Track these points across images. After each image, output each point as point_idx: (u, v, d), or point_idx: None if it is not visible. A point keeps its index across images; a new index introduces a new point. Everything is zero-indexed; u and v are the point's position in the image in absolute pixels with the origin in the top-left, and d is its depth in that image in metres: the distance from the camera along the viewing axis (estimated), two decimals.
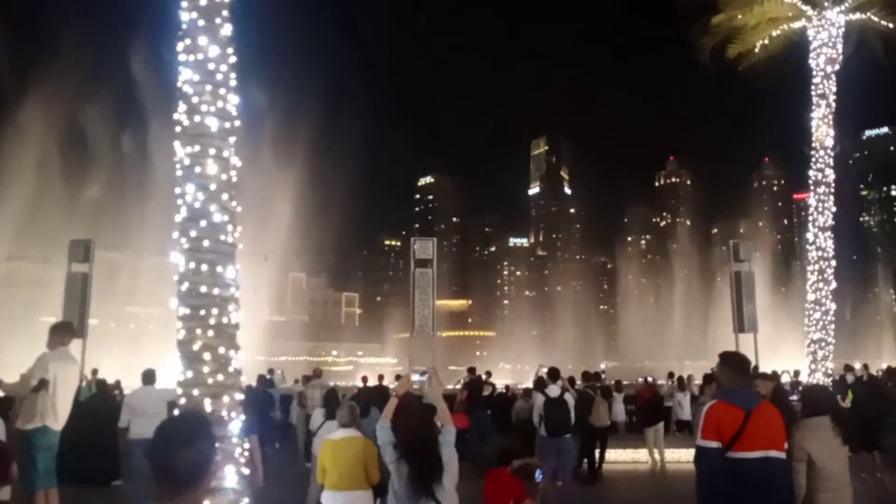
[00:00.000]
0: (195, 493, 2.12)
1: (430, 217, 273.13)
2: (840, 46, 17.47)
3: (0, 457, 6.15)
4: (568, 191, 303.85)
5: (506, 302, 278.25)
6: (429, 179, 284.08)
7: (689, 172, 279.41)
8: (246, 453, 5.91)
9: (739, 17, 17.72)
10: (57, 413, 7.10)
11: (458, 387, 17.37)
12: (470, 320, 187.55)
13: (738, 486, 4.51)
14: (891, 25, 17.43)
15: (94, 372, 16.05)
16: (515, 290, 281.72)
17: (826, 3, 17.21)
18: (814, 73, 17.56)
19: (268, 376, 18.80)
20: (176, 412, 5.69)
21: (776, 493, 4.61)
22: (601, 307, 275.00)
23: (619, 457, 14.54)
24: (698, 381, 21.89)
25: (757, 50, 18.51)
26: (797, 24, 18.07)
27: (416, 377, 5.64)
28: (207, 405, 5.61)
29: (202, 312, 5.74)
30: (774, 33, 18.27)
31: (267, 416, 12.10)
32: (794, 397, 15.68)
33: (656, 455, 14.48)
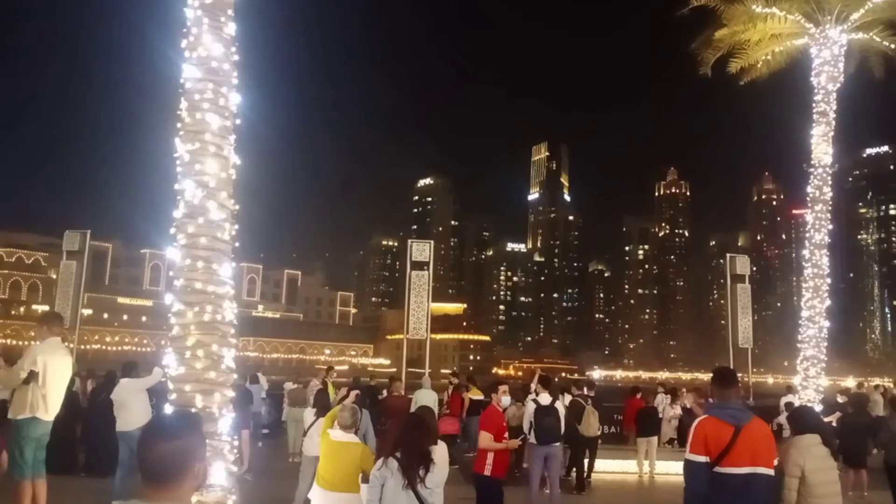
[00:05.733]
0: (177, 491, 2.11)
1: (427, 219, 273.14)
2: (842, 65, 17.50)
3: None
4: (567, 198, 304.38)
5: (501, 307, 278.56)
6: (428, 181, 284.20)
7: (689, 183, 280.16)
8: (235, 450, 5.92)
9: (742, 32, 17.75)
10: (48, 404, 7.10)
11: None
12: (465, 324, 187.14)
13: (724, 501, 4.53)
14: (893, 46, 17.48)
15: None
16: (511, 295, 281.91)
17: (829, 22, 17.26)
18: (815, 90, 17.59)
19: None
20: (168, 409, 5.70)
21: None
22: (597, 316, 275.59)
23: (607, 467, 14.52)
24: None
25: (759, 65, 18.54)
26: (800, 41, 18.11)
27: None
28: (198, 401, 5.62)
29: (196, 309, 5.74)
30: (777, 49, 18.30)
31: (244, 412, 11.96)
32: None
33: (646, 467, 14.47)
